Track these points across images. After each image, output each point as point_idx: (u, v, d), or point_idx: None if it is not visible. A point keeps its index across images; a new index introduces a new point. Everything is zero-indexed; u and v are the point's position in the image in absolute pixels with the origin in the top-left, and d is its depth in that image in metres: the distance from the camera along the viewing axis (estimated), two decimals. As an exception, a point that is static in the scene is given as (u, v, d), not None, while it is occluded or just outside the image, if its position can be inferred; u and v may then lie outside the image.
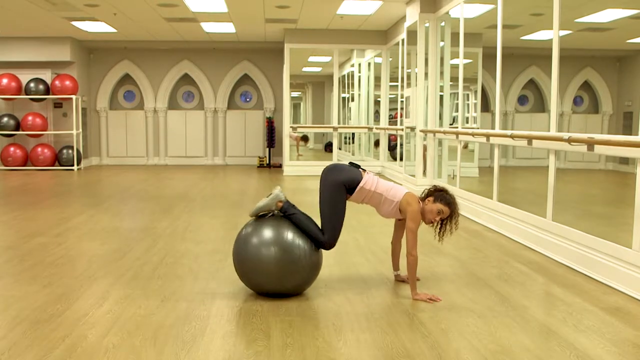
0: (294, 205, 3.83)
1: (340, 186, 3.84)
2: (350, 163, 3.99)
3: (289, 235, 3.68)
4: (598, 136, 4.47)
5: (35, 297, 3.77)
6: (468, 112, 13.25)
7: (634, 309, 3.65)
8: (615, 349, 3.02)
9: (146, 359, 2.84)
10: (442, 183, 7.92)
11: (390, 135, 12.97)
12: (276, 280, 3.67)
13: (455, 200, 3.90)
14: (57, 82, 13.18)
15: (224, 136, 15.21)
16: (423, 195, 3.96)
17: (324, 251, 5.14)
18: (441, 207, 3.83)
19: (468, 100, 12.90)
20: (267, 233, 3.68)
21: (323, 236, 3.79)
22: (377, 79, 13.18)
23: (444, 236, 3.92)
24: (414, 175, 9.25)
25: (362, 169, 3.97)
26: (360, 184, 3.86)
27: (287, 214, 3.77)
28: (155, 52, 14.69)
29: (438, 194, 3.89)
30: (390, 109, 12.96)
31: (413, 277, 3.82)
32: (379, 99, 13.44)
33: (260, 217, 3.81)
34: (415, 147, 9.42)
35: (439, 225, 3.91)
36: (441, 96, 8.99)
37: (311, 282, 3.87)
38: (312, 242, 3.76)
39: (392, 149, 13.09)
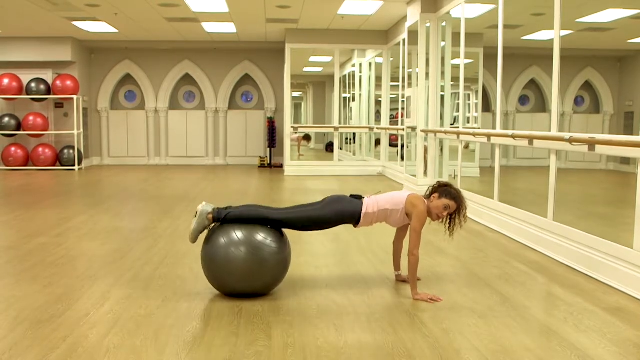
0: (225, 208, 3.81)
1: (339, 217, 3.84)
2: (351, 195, 3.97)
3: (256, 235, 3.68)
4: (599, 136, 4.47)
5: (36, 298, 3.77)
6: (469, 112, 13.25)
7: (635, 309, 3.65)
8: (616, 349, 3.02)
9: (147, 359, 2.84)
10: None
11: (390, 135, 12.97)
12: (244, 280, 3.66)
13: (461, 194, 3.90)
14: (58, 82, 13.19)
15: (225, 136, 15.22)
16: (427, 193, 3.96)
17: (323, 251, 5.15)
18: (447, 202, 3.83)
19: (469, 100, 12.91)
20: (235, 234, 3.67)
21: (274, 213, 3.77)
22: (378, 79, 13.17)
23: (454, 230, 3.91)
24: (415, 176, 9.25)
25: (362, 197, 3.95)
26: (363, 212, 3.85)
27: (223, 219, 3.74)
28: (156, 52, 14.70)
29: (442, 189, 3.89)
30: (391, 109, 12.96)
31: (414, 277, 3.81)
32: (380, 99, 13.44)
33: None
34: (416, 147, 9.42)
35: (448, 221, 3.91)
36: (442, 96, 8.99)
37: (280, 282, 3.87)
38: (260, 223, 3.73)
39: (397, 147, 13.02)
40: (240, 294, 3.74)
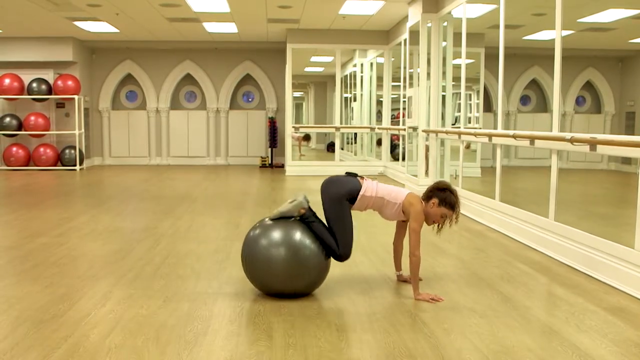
0: (315, 214, 3.84)
1: (342, 199, 3.84)
2: (346, 173, 3.98)
3: (298, 235, 3.69)
4: (600, 136, 4.47)
5: (37, 298, 3.77)
6: (470, 112, 13.25)
7: (636, 309, 3.65)
8: (618, 349, 3.02)
9: (148, 359, 2.84)
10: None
11: (392, 135, 12.97)
12: (285, 280, 3.67)
13: (459, 199, 3.89)
14: (59, 82, 13.20)
15: (226, 136, 15.22)
16: (425, 195, 3.93)
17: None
18: (446, 212, 3.83)
19: (470, 100, 12.90)
20: (276, 234, 3.69)
21: (338, 249, 3.80)
22: (380, 79, 13.17)
23: (442, 229, 3.93)
24: (416, 175, 9.25)
25: (359, 176, 3.97)
26: (361, 193, 3.85)
27: (306, 221, 3.78)
28: (158, 52, 14.70)
29: (442, 195, 3.85)
30: (392, 109, 12.97)
31: (415, 277, 3.81)
32: (381, 99, 13.44)
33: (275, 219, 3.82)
34: (417, 147, 9.42)
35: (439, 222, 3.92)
36: (443, 96, 8.99)
37: (321, 282, 3.87)
38: (326, 251, 3.77)
39: (392, 149, 13.09)
40: (282, 295, 3.74)
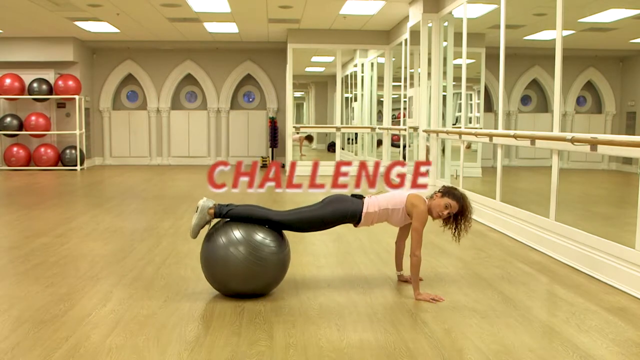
0: (226, 204, 3.83)
1: (340, 217, 3.83)
2: (352, 195, 3.97)
3: (256, 235, 3.68)
4: (601, 136, 4.46)
5: (38, 297, 3.78)
6: (471, 112, 13.25)
7: (637, 309, 3.64)
8: (618, 349, 3.01)
9: (149, 359, 2.84)
10: (446, 183, 7.90)
11: (392, 135, 12.97)
12: (243, 280, 3.66)
13: (466, 197, 3.91)
14: (60, 82, 13.20)
15: (227, 136, 15.22)
16: (430, 194, 3.98)
17: (325, 251, 5.15)
18: (449, 201, 3.84)
19: (471, 100, 12.90)
20: (234, 234, 3.67)
21: (274, 215, 3.78)
22: (380, 79, 13.16)
23: (460, 235, 3.91)
24: (416, 176, 9.23)
25: (363, 197, 3.95)
26: (364, 211, 3.86)
27: (223, 214, 3.78)
28: (158, 52, 14.70)
29: (447, 188, 3.94)
30: (393, 109, 12.97)
31: (416, 277, 3.82)
32: (381, 99, 13.44)
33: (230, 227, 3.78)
34: (418, 147, 9.42)
35: (454, 225, 3.90)
36: (444, 96, 8.98)
37: (279, 281, 3.87)
38: (260, 223, 3.75)
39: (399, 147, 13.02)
40: (240, 294, 3.74)
